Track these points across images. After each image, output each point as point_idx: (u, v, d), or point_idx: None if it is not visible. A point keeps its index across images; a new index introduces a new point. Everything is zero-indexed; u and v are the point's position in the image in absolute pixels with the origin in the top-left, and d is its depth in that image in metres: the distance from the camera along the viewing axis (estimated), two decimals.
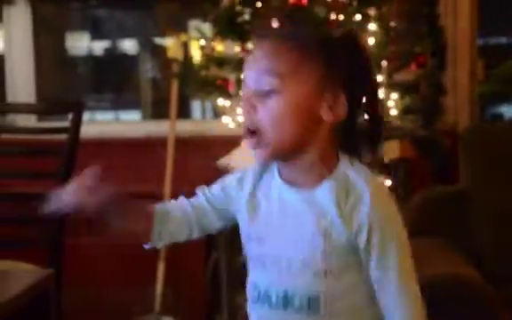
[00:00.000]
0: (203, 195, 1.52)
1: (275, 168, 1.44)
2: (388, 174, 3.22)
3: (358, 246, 1.36)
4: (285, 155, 1.39)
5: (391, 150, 3.20)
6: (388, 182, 3.23)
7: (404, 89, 3.22)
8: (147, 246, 1.53)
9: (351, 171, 1.39)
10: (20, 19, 3.96)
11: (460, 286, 2.29)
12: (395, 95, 3.17)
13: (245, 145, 1.42)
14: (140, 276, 3.55)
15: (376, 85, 1.47)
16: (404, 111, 3.21)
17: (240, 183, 1.48)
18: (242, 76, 1.42)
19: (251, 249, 1.45)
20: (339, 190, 1.37)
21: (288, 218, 1.40)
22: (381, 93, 3.15)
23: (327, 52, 1.37)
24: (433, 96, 3.36)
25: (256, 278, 1.43)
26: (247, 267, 1.49)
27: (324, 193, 1.37)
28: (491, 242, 2.82)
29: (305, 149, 1.38)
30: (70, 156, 2.97)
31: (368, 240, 1.35)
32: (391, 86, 3.17)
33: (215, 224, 1.52)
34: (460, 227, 2.84)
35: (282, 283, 1.39)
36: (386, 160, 3.20)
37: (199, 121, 4.23)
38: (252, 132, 1.37)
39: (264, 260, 1.41)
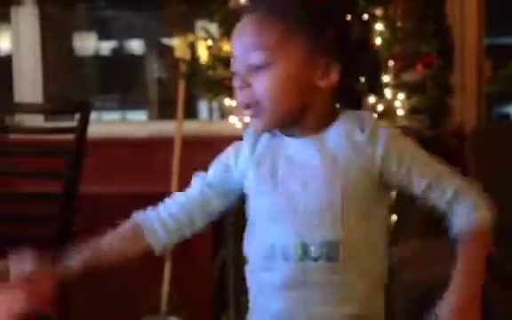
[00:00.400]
0: (203, 183, 1.52)
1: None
2: None
3: (383, 177, 1.39)
4: (284, 123, 1.40)
5: None
6: None
7: (411, 89, 3.22)
8: (156, 253, 1.54)
9: (358, 113, 1.42)
10: (28, 19, 3.96)
11: None
12: (401, 95, 3.17)
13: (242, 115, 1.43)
14: (147, 275, 3.56)
15: (368, 39, 1.49)
16: (411, 111, 3.21)
17: (238, 151, 1.48)
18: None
19: (260, 205, 1.43)
20: (351, 127, 1.39)
21: (297, 165, 1.39)
22: (388, 93, 3.15)
23: (315, 20, 1.37)
24: (440, 96, 3.35)
25: (270, 235, 1.39)
26: (250, 229, 1.46)
27: (335, 134, 1.39)
28: (499, 242, 2.81)
29: (304, 115, 1.39)
30: (77, 155, 2.98)
31: (401, 166, 1.39)
32: (398, 86, 3.17)
33: (220, 207, 1.51)
34: None
35: (299, 233, 1.37)
36: None
37: (206, 121, 4.23)
38: (249, 104, 1.38)
39: (277, 213, 1.39)
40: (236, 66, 1.38)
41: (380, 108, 3.13)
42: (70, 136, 3.01)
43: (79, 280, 3.28)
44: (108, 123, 4.35)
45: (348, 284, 1.38)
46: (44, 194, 3.09)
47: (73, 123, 3.10)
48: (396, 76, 3.18)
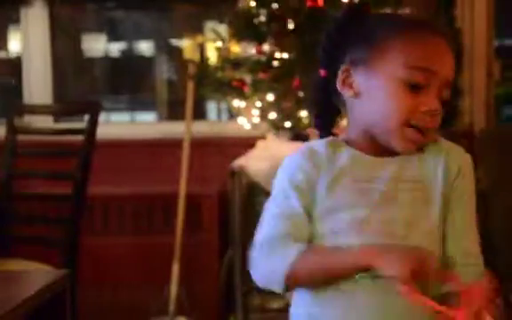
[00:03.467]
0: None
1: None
2: None
3: None
4: None
5: None
6: None
7: None
8: None
9: None
10: (38, 20, 3.98)
11: None
12: None
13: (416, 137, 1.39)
14: (155, 276, 3.56)
15: None
16: None
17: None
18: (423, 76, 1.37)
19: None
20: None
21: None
22: None
23: None
24: (449, 97, 3.35)
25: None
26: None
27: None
28: (507, 242, 2.81)
29: None
30: (86, 156, 2.98)
31: None
32: None
33: None
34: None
35: None
36: None
37: (215, 122, 4.23)
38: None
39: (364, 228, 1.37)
40: (439, 92, 1.39)
41: None
42: (79, 137, 3.01)
43: (89, 281, 3.29)
44: (117, 124, 4.36)
45: None
46: (54, 195, 3.10)
47: (82, 124, 3.11)
48: None
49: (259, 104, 3.26)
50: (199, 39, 3.87)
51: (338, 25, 1.45)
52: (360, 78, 1.40)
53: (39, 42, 3.98)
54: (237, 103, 3.35)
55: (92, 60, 4.52)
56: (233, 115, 3.72)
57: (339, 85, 1.42)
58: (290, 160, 1.43)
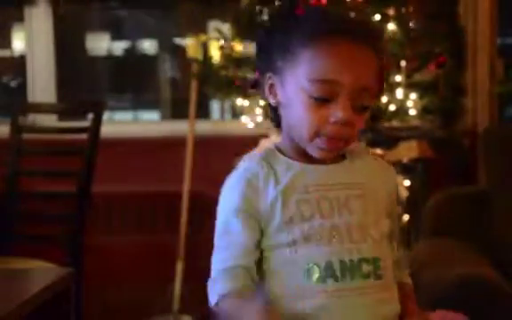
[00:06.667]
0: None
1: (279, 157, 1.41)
2: (407, 174, 3.22)
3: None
4: None
5: (410, 150, 3.19)
6: (407, 182, 3.23)
7: (423, 89, 3.22)
8: None
9: (361, 144, 1.58)
10: (41, 19, 3.98)
11: (477, 286, 2.28)
12: (413, 95, 3.17)
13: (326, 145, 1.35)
14: (159, 274, 3.57)
15: None
16: (423, 111, 3.21)
17: (256, 187, 1.40)
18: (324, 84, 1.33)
19: (294, 232, 1.36)
20: (364, 155, 1.46)
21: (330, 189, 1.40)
22: (400, 93, 3.15)
23: None
24: (452, 96, 3.35)
25: (312, 257, 1.35)
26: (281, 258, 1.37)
27: (353, 159, 1.44)
28: (510, 242, 2.81)
29: None
30: (90, 155, 2.99)
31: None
32: (410, 86, 3.17)
33: None
34: (479, 227, 2.84)
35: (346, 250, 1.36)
36: (404, 160, 3.20)
37: (218, 121, 4.24)
38: (343, 139, 1.36)
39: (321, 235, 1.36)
40: (352, 100, 1.33)
41: (392, 107, 3.13)
42: (83, 136, 3.02)
43: (93, 279, 3.31)
44: (120, 122, 4.37)
45: None
46: (58, 193, 3.11)
47: (86, 122, 3.12)
48: (409, 76, 3.18)
49: (262, 103, 3.26)
50: (202, 38, 3.87)
51: (266, 28, 1.42)
52: (279, 87, 1.38)
53: (43, 41, 3.99)
54: (241, 102, 3.35)
55: (95, 59, 4.52)
56: (236, 113, 3.73)
57: (265, 92, 1.41)
58: (229, 190, 1.44)
